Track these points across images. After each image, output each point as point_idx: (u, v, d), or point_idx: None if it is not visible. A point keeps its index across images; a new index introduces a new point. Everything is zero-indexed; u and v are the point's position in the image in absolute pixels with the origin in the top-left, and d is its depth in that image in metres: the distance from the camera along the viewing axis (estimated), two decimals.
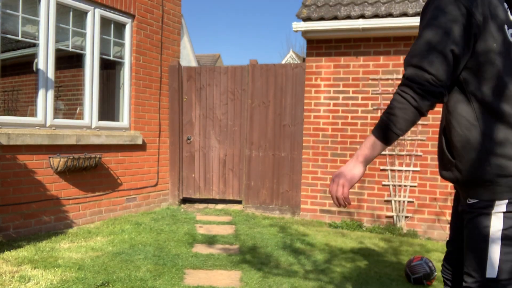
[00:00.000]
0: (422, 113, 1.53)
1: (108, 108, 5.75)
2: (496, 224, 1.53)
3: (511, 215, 1.52)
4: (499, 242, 1.53)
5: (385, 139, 1.59)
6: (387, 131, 1.58)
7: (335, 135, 5.87)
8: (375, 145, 1.62)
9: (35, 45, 4.68)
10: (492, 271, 1.55)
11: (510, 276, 1.53)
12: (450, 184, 5.37)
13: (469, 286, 1.61)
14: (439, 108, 5.44)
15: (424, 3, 5.49)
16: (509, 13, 1.62)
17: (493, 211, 1.54)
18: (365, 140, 1.65)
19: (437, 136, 5.43)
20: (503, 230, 1.53)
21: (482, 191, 1.56)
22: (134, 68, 5.84)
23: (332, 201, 5.88)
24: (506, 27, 1.57)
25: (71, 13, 5.05)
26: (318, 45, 5.93)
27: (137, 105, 5.89)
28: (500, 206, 1.53)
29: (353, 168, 1.63)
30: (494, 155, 1.52)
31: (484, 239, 1.55)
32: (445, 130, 1.65)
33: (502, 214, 1.53)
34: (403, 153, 5.56)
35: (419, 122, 5.47)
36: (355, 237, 5.07)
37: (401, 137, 5.56)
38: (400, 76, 5.57)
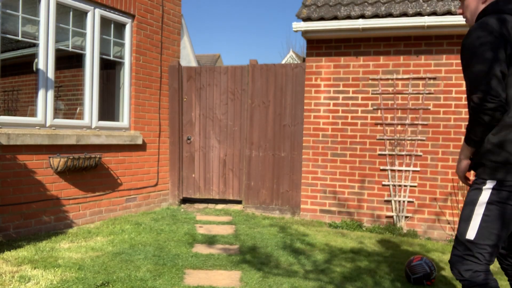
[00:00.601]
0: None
1: (108, 108, 5.75)
2: (483, 197, 2.02)
3: (495, 191, 1.99)
4: (482, 212, 2.00)
5: (473, 146, 2.11)
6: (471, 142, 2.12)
7: (335, 135, 5.87)
8: (467, 148, 2.14)
9: (35, 45, 4.68)
10: (471, 233, 2.02)
11: (483, 242, 1.99)
12: (450, 184, 5.37)
13: (454, 245, 2.11)
14: (438, 109, 5.45)
15: (424, 3, 5.49)
16: None
17: (484, 187, 2.03)
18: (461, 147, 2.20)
19: (437, 136, 5.43)
20: (487, 203, 2.00)
21: (480, 171, 2.08)
22: (134, 68, 5.84)
23: (332, 201, 5.90)
24: None
25: (71, 13, 5.05)
26: (318, 45, 5.93)
27: (137, 105, 5.90)
28: (490, 184, 2.02)
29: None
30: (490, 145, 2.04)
31: (472, 208, 2.03)
32: None
33: (490, 190, 2.01)
34: (403, 153, 5.56)
35: (419, 122, 5.47)
36: (355, 237, 5.07)
37: (401, 137, 5.56)
38: (400, 76, 5.57)
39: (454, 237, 5.13)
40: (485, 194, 2.03)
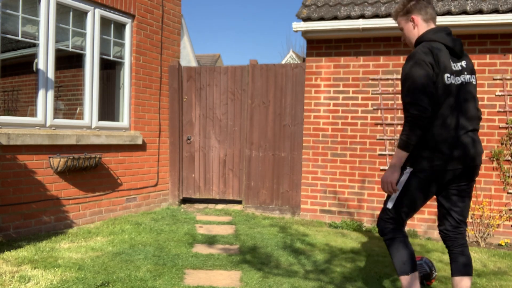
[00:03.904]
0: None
1: (108, 108, 5.75)
2: (403, 177, 2.65)
3: (408, 175, 2.63)
4: (400, 188, 2.65)
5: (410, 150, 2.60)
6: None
7: (335, 135, 5.87)
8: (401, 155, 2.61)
9: (35, 45, 4.68)
10: (390, 204, 2.71)
11: (395, 210, 2.69)
12: None
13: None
14: None
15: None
16: (451, 62, 2.60)
17: (405, 171, 2.65)
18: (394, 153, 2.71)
19: None
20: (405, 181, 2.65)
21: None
22: (134, 68, 5.84)
23: (332, 201, 5.91)
24: (447, 74, 2.56)
25: (71, 13, 5.05)
26: (318, 45, 5.93)
27: (137, 105, 5.89)
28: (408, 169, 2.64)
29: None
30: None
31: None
32: None
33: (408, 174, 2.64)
34: None
35: None
36: (355, 237, 5.07)
37: None
38: (400, 76, 5.56)
39: None
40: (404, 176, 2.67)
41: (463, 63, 2.66)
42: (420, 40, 2.67)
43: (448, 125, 2.54)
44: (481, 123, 5.27)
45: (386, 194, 2.75)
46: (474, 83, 2.67)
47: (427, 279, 3.51)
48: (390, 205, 2.70)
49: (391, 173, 2.60)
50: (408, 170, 2.63)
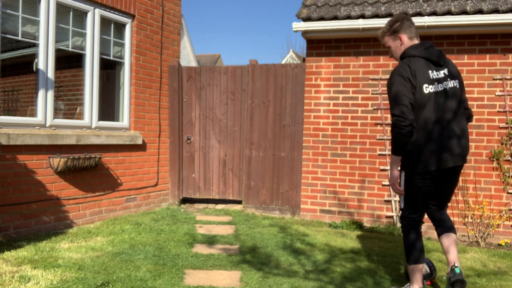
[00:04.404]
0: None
1: (108, 108, 5.75)
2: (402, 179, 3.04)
3: (404, 177, 3.03)
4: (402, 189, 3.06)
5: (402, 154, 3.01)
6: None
7: (335, 135, 5.87)
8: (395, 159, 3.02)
9: (35, 45, 4.68)
10: (402, 204, 3.11)
11: (406, 209, 3.10)
12: None
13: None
14: None
15: (423, 3, 5.51)
16: (430, 72, 2.98)
17: (402, 174, 3.04)
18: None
19: None
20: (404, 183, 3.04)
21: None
22: (134, 68, 5.84)
23: (332, 201, 5.91)
24: (425, 85, 2.95)
25: (71, 13, 5.05)
26: (318, 45, 5.93)
27: (137, 105, 5.89)
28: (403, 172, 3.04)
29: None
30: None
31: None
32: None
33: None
34: None
35: None
36: (355, 237, 5.07)
37: None
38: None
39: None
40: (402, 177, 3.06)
41: (445, 70, 3.04)
42: (403, 56, 3.09)
43: (431, 130, 2.90)
44: (481, 123, 5.28)
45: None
46: (458, 87, 3.05)
47: (427, 279, 3.50)
48: (402, 205, 3.11)
49: (390, 175, 3.01)
50: (403, 172, 3.01)
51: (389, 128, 5.63)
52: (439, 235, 3.27)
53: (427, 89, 2.94)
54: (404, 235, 3.14)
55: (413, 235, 3.09)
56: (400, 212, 3.20)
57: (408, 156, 2.96)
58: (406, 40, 3.12)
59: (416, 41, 3.13)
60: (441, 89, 2.96)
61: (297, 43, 40.34)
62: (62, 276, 3.32)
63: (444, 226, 3.24)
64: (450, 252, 3.15)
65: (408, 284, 3.18)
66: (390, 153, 5.60)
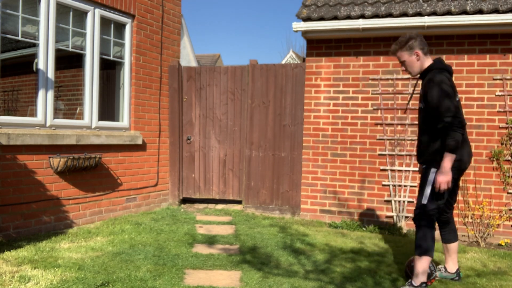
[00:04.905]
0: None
1: (108, 108, 5.75)
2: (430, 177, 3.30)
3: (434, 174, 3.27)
4: (431, 186, 3.28)
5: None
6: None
7: (335, 135, 5.87)
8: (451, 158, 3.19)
9: (35, 45, 4.68)
10: (425, 200, 3.30)
11: (430, 205, 3.29)
12: None
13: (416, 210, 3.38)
14: None
15: (423, 3, 5.50)
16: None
17: (431, 171, 3.30)
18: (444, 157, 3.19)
19: None
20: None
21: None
22: (134, 68, 5.84)
23: (332, 201, 5.91)
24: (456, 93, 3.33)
25: (71, 13, 5.05)
26: (318, 45, 5.93)
27: (137, 105, 5.89)
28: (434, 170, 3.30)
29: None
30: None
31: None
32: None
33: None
34: (403, 153, 5.56)
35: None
36: (355, 237, 5.07)
37: (401, 137, 5.56)
38: (400, 76, 5.57)
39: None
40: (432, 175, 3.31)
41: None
42: (431, 68, 3.36)
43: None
44: (481, 123, 5.29)
45: (419, 189, 3.37)
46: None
47: (428, 278, 3.50)
48: (425, 201, 3.29)
49: (446, 175, 3.18)
50: (433, 170, 3.26)
51: (389, 128, 5.63)
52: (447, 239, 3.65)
53: (457, 97, 3.31)
54: (418, 226, 3.33)
55: (429, 227, 3.29)
56: (420, 206, 3.34)
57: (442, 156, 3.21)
58: (422, 55, 3.41)
59: (429, 56, 3.44)
60: (457, 99, 3.32)
61: (297, 43, 40.34)
62: (62, 276, 3.32)
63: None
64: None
65: (410, 281, 3.32)
66: (389, 152, 5.61)
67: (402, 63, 3.50)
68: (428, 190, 3.27)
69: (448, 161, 3.15)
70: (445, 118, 3.11)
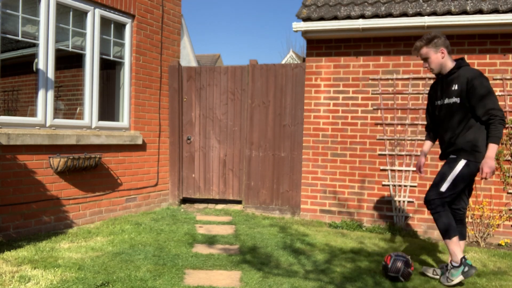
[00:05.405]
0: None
1: (108, 108, 5.75)
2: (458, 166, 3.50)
3: (463, 165, 3.48)
4: (455, 175, 3.48)
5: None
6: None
7: (335, 135, 5.87)
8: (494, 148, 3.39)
9: (35, 45, 4.68)
10: (444, 186, 3.49)
11: (447, 192, 3.49)
12: None
13: (433, 195, 3.53)
14: None
15: (423, 3, 5.49)
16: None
17: (460, 162, 3.50)
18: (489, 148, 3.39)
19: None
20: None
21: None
22: (134, 68, 5.84)
23: (332, 201, 5.90)
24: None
25: (71, 13, 5.05)
26: (318, 45, 5.93)
27: (137, 105, 5.89)
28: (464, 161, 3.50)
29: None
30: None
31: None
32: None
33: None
34: (403, 153, 5.56)
35: (419, 122, 5.48)
36: (355, 237, 5.07)
37: (401, 137, 5.56)
38: (400, 76, 5.57)
39: None
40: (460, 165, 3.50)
41: None
42: (459, 65, 3.53)
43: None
44: None
45: (439, 178, 3.51)
46: None
47: (409, 266, 3.55)
48: (444, 189, 3.47)
49: (491, 164, 3.36)
50: (463, 161, 3.45)
51: (389, 128, 5.63)
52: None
53: None
54: (438, 214, 3.50)
55: (447, 210, 3.49)
56: (435, 193, 3.50)
57: (477, 148, 3.41)
58: (446, 53, 3.55)
59: (451, 55, 3.61)
60: None
61: (297, 43, 40.34)
62: (62, 276, 3.32)
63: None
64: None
65: (450, 262, 3.50)
66: (389, 152, 5.61)
67: (426, 59, 3.60)
68: (451, 177, 3.44)
69: (493, 151, 3.35)
70: (493, 111, 3.32)
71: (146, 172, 6.09)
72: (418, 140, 5.51)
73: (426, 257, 4.35)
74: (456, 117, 3.50)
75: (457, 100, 3.48)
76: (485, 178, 3.39)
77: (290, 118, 6.10)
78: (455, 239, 3.46)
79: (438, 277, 3.64)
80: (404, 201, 5.54)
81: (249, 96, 6.26)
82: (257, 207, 6.26)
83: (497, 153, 5.17)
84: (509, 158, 5.19)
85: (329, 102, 5.89)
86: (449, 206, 3.62)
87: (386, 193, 5.65)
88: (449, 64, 3.56)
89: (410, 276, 3.58)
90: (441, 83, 3.66)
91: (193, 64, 20.17)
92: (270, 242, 4.63)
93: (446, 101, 3.56)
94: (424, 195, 5.44)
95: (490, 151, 3.36)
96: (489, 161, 3.36)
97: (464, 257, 3.44)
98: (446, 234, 3.46)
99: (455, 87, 3.49)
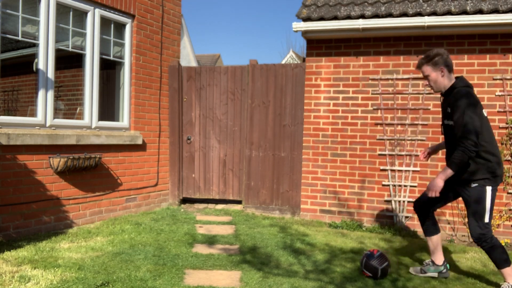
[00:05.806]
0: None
1: (108, 108, 5.75)
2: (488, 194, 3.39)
3: (491, 192, 3.39)
4: (490, 203, 3.39)
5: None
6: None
7: (335, 135, 5.87)
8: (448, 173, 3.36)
9: (35, 45, 4.68)
10: (487, 218, 3.37)
11: (490, 221, 3.38)
12: None
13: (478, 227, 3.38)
14: (438, 109, 5.45)
15: (424, 3, 5.49)
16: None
17: (488, 189, 3.39)
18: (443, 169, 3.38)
19: (436, 136, 5.43)
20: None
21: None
22: (134, 68, 5.84)
23: (332, 201, 5.91)
24: (483, 109, 3.48)
25: (71, 13, 5.05)
26: (318, 45, 5.93)
27: (137, 105, 5.89)
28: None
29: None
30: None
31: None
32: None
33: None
34: (403, 153, 5.56)
35: (419, 122, 5.48)
36: (355, 237, 5.07)
37: (401, 137, 5.56)
38: (400, 76, 5.57)
39: (454, 237, 5.17)
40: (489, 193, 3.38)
41: None
42: (454, 87, 3.45)
43: (495, 147, 3.38)
44: None
45: (476, 212, 3.37)
46: None
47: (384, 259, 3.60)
48: (487, 219, 3.35)
49: (437, 184, 3.41)
50: (490, 187, 3.35)
51: (389, 128, 5.63)
52: (433, 233, 3.77)
53: (485, 113, 3.44)
54: (492, 247, 3.34)
55: (496, 240, 3.35)
56: (481, 227, 3.36)
57: (493, 172, 3.34)
58: (446, 72, 3.48)
59: (453, 73, 3.52)
60: (485, 114, 3.45)
61: (297, 43, 40.34)
62: (62, 276, 3.32)
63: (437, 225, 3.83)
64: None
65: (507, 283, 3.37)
66: (389, 152, 5.60)
67: (426, 77, 3.56)
68: (488, 207, 3.34)
69: (445, 173, 3.34)
70: (463, 139, 3.25)
71: (146, 172, 6.09)
72: (418, 140, 5.51)
73: (426, 257, 4.35)
74: (455, 140, 3.40)
75: (451, 123, 3.44)
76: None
77: (290, 118, 6.10)
78: (510, 268, 3.36)
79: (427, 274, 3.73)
80: (404, 201, 5.54)
81: (249, 96, 6.26)
82: (257, 207, 6.26)
83: None
84: (509, 158, 5.18)
85: (329, 102, 5.89)
86: (430, 210, 3.71)
87: (386, 193, 5.65)
88: (447, 83, 3.49)
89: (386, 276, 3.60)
90: (443, 102, 3.62)
91: (193, 64, 20.17)
92: (270, 242, 4.63)
93: (446, 122, 3.52)
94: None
95: (442, 172, 3.36)
96: (435, 180, 3.37)
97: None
98: (504, 264, 3.34)
99: (449, 110, 3.44)
